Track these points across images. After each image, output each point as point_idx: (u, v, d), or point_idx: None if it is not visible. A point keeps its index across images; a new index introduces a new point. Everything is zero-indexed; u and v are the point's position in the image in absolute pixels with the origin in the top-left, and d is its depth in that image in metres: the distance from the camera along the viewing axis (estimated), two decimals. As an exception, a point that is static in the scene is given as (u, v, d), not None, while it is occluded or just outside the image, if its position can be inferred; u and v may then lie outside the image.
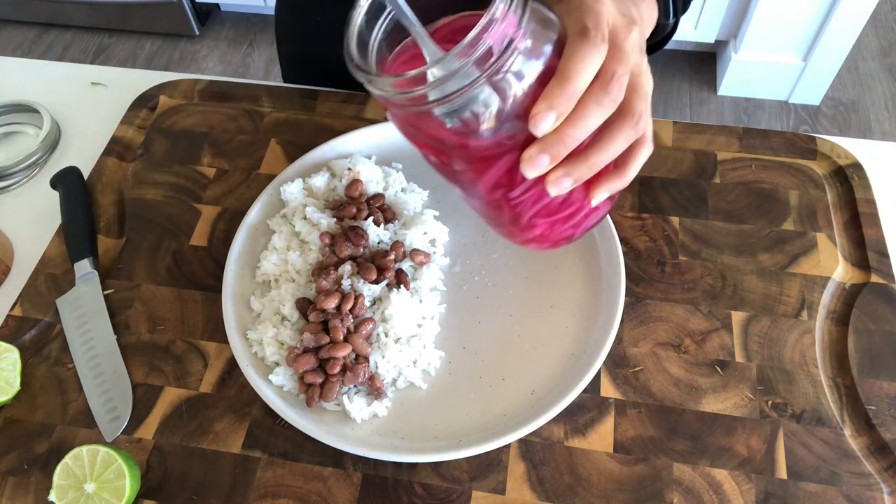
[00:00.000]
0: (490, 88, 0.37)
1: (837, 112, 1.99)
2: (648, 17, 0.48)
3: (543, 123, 0.37)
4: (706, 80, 2.07)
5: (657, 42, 0.60)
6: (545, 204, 0.45)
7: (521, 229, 0.48)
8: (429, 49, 0.39)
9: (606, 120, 0.39)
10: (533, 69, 0.37)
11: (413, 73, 0.36)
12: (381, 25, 0.43)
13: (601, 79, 0.38)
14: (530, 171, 0.39)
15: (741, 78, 1.97)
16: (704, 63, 2.10)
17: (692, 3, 0.61)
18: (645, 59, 0.43)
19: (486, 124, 0.38)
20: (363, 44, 0.42)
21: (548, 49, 0.38)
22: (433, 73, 0.35)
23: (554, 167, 0.39)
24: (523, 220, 0.47)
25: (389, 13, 0.42)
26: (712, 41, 1.98)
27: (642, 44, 0.43)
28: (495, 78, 0.36)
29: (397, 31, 0.43)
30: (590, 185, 0.43)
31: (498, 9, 0.35)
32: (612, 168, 0.43)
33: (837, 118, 1.97)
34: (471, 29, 0.35)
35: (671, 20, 0.55)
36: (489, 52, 0.35)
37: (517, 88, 0.37)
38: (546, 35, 0.38)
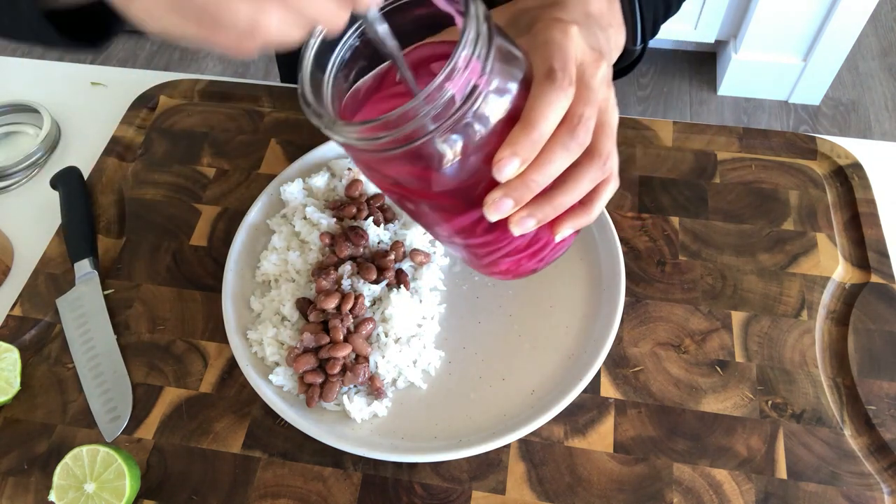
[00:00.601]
0: (454, 133, 0.36)
1: (837, 112, 1.99)
2: (616, 43, 0.47)
3: (507, 169, 0.36)
4: (706, 80, 2.07)
5: (624, 67, 0.58)
6: (509, 242, 0.44)
7: (485, 265, 0.48)
8: (412, 85, 0.38)
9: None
10: (498, 111, 0.36)
11: (376, 121, 0.34)
12: (335, 60, 0.41)
13: (568, 122, 0.37)
14: (493, 214, 0.38)
15: (741, 78, 1.97)
16: (704, 63, 2.10)
17: (671, 17, 0.59)
18: (612, 92, 0.42)
19: (450, 168, 0.37)
20: (317, 83, 0.40)
21: (513, 88, 0.37)
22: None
23: (518, 208, 0.38)
24: (487, 254, 0.46)
25: (344, 45, 0.40)
26: (712, 41, 1.98)
27: (609, 76, 0.42)
28: (458, 124, 0.35)
29: (351, 64, 0.41)
30: (554, 221, 0.42)
31: (460, 57, 0.33)
32: (577, 205, 0.42)
33: (837, 118, 1.97)
34: (436, 58, 0.35)
35: (639, 46, 0.54)
36: (452, 101, 0.34)
37: (482, 132, 0.36)
38: (512, 74, 0.37)
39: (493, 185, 0.38)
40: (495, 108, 0.36)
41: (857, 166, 0.68)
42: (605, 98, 0.40)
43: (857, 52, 2.09)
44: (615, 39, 0.47)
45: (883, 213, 0.65)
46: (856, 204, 0.66)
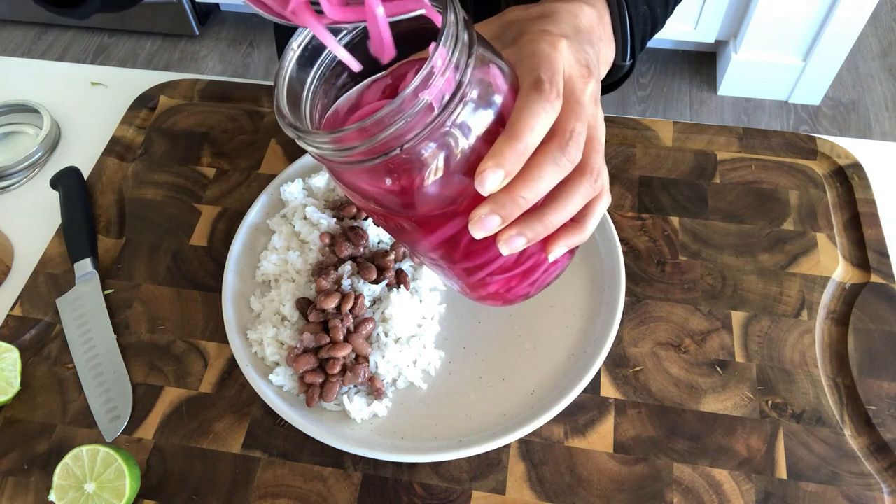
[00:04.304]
0: (433, 143, 0.34)
1: (837, 112, 1.99)
2: (604, 58, 0.46)
3: (490, 182, 0.35)
4: (706, 80, 2.07)
5: (612, 83, 0.56)
6: (498, 262, 0.42)
7: (473, 287, 0.46)
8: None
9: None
10: (480, 122, 0.35)
11: (347, 129, 0.32)
12: (317, 72, 0.39)
13: (559, 138, 0.36)
14: (478, 231, 0.36)
15: (741, 78, 1.97)
16: (704, 63, 2.10)
17: (671, 14, 0.58)
18: (600, 108, 0.41)
19: (430, 182, 0.35)
20: (295, 96, 0.38)
21: (497, 99, 0.35)
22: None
23: (506, 226, 0.37)
24: (475, 277, 0.44)
25: (326, 58, 0.39)
26: (712, 41, 1.98)
27: (598, 92, 0.41)
28: (437, 134, 0.33)
29: (332, 80, 0.40)
30: (546, 240, 0.40)
31: (437, 60, 0.32)
32: (569, 223, 0.40)
33: (837, 118, 1.97)
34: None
35: (628, 62, 0.52)
36: (430, 108, 0.32)
37: (463, 143, 0.35)
38: (495, 84, 0.36)
39: (478, 201, 0.36)
40: (477, 118, 0.35)
41: (857, 166, 0.68)
42: (592, 114, 0.39)
43: (857, 52, 2.09)
44: (604, 54, 0.46)
45: (883, 213, 0.65)
46: (856, 204, 0.66)
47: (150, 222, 0.69)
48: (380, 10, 0.34)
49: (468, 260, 0.42)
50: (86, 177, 0.72)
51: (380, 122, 0.32)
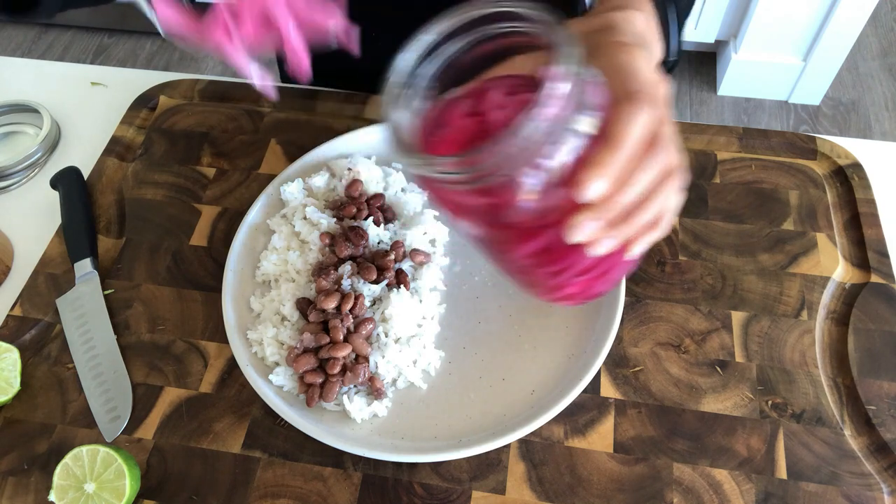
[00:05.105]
0: (540, 159, 0.36)
1: (837, 112, 1.99)
2: (657, 58, 0.48)
3: (593, 190, 0.36)
4: (706, 80, 2.07)
5: None
6: (583, 264, 0.44)
7: (552, 289, 0.47)
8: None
9: None
10: (582, 136, 0.36)
11: (463, 156, 0.34)
12: (421, 80, 0.41)
13: (652, 143, 0.38)
14: (578, 237, 0.38)
15: (741, 78, 1.97)
16: (704, 63, 2.10)
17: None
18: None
19: (533, 194, 0.37)
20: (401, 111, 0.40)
21: (599, 113, 0.37)
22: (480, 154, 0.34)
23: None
24: (556, 280, 0.46)
25: (433, 53, 0.41)
26: (712, 41, 1.98)
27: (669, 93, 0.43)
28: (548, 154, 0.35)
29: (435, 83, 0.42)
30: (629, 240, 0.42)
31: (556, 89, 0.34)
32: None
33: (837, 118, 1.97)
34: (509, 89, 0.35)
35: (673, 58, 0.54)
36: (545, 133, 0.34)
37: (565, 157, 0.36)
38: (598, 100, 0.37)
39: (573, 207, 0.37)
40: (584, 132, 0.36)
41: (857, 166, 0.68)
42: (670, 116, 0.41)
43: (857, 52, 2.09)
44: (658, 54, 0.48)
45: (883, 213, 0.65)
46: (856, 204, 0.66)
47: (150, 222, 0.69)
48: (290, 26, 0.36)
49: (555, 264, 0.44)
50: (86, 177, 0.72)
51: (495, 151, 0.33)
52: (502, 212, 0.38)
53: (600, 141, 0.36)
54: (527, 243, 0.41)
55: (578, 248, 0.39)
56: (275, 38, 0.38)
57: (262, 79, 0.40)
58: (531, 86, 0.38)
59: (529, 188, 0.36)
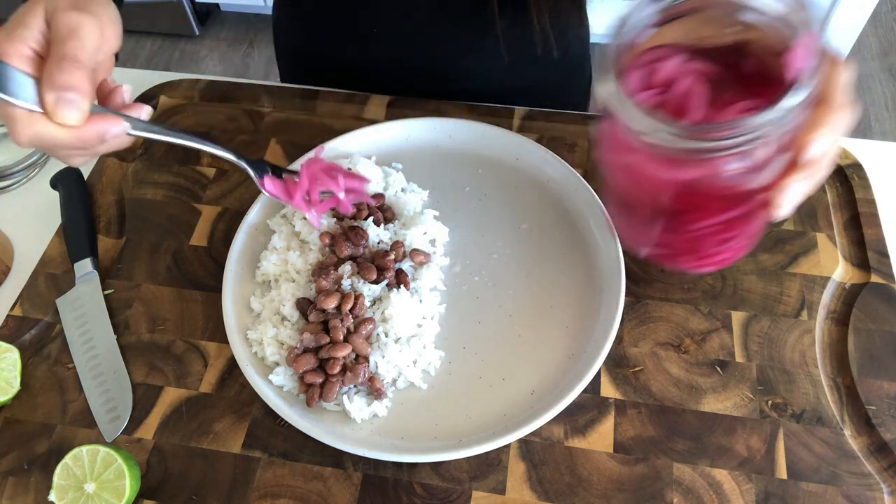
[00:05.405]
0: (784, 129, 0.39)
1: (837, 112, 1.98)
2: None
3: (816, 148, 0.40)
4: (706, 80, 2.06)
5: None
6: (751, 229, 0.48)
7: (709, 255, 0.51)
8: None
9: None
10: (809, 101, 0.39)
11: (721, 125, 0.38)
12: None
13: (847, 105, 0.42)
14: (790, 200, 0.42)
15: (741, 78, 1.97)
16: (704, 63, 2.10)
17: None
18: None
19: (754, 164, 0.40)
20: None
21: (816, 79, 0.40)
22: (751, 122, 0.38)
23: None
24: (724, 246, 0.49)
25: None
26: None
27: None
28: (791, 120, 0.39)
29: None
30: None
31: (812, 87, 0.38)
32: None
33: (837, 118, 1.97)
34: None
35: None
36: (788, 113, 0.38)
37: (795, 122, 0.39)
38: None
39: (785, 172, 0.41)
40: (811, 102, 0.40)
41: (857, 166, 0.68)
42: None
43: (857, 52, 2.09)
44: None
45: (883, 213, 0.65)
46: (856, 204, 0.66)
47: (150, 222, 0.69)
48: (341, 195, 0.57)
49: (732, 230, 0.48)
50: (86, 177, 0.72)
51: (751, 124, 0.37)
52: (719, 182, 0.41)
53: (819, 105, 0.40)
54: (725, 212, 0.45)
55: (757, 213, 0.43)
56: (333, 202, 0.58)
57: (317, 223, 0.58)
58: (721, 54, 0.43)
59: (764, 156, 0.40)
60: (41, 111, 0.42)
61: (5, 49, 0.42)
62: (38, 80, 0.42)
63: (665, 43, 0.45)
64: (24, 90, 0.42)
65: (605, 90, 0.41)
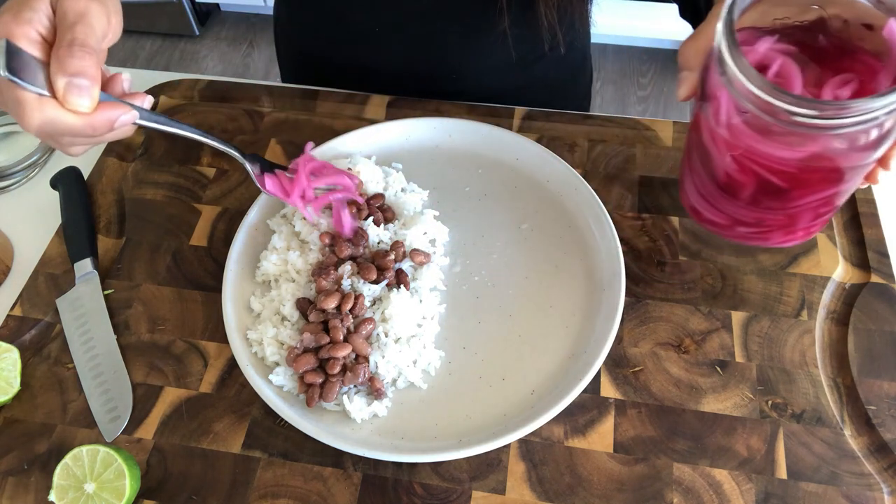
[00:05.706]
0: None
1: (837, 112, 1.98)
2: None
3: None
4: (706, 80, 2.07)
5: None
6: (839, 203, 0.50)
7: (802, 229, 0.53)
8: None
9: None
10: None
11: (847, 103, 0.39)
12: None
13: None
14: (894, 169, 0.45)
15: (741, 78, 1.96)
16: (704, 63, 2.10)
17: None
18: None
19: (878, 137, 0.42)
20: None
21: None
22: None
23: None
24: (817, 220, 0.51)
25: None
26: (712, 41, 1.98)
27: None
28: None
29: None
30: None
31: None
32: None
33: (837, 118, 1.97)
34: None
35: None
36: None
37: None
38: None
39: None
40: None
41: (857, 166, 0.68)
42: None
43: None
44: None
45: (883, 213, 0.65)
46: (856, 204, 0.66)
47: (150, 222, 0.69)
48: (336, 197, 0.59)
49: (830, 205, 0.50)
50: (86, 177, 0.72)
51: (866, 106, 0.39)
52: (839, 157, 0.43)
53: None
54: (832, 187, 0.47)
55: (845, 188, 0.46)
56: (326, 200, 0.60)
57: (312, 219, 0.60)
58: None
59: (886, 130, 0.42)
60: (50, 96, 0.41)
61: (13, 30, 0.41)
62: (47, 65, 0.41)
63: (744, 26, 0.46)
64: (34, 74, 0.41)
65: (737, 72, 0.42)
